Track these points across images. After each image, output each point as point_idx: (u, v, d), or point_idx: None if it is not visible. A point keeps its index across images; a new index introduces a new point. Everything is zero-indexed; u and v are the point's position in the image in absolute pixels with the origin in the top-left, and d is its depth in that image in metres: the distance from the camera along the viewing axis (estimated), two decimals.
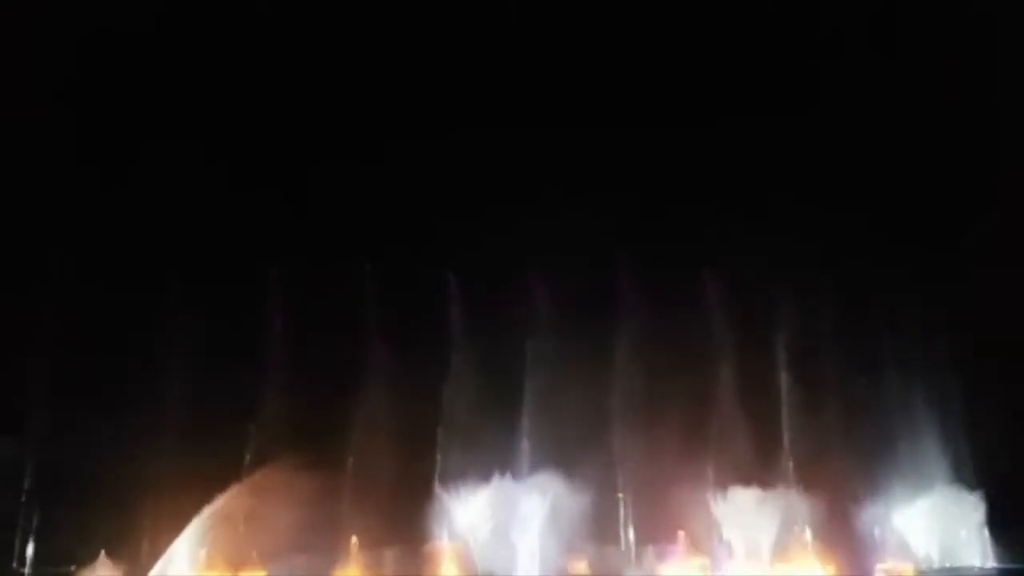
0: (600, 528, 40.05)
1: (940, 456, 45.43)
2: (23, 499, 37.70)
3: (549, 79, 52.26)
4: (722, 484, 40.59)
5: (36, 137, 45.12)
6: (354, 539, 39.17)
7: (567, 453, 40.27)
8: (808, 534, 39.57)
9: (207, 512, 37.26)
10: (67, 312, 41.02)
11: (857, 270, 47.13)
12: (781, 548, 38.74)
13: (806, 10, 52.90)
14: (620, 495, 41.78)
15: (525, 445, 41.25)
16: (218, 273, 44.57)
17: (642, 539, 40.67)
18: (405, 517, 39.93)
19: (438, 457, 41.15)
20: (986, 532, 43.26)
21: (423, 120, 51.00)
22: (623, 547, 40.25)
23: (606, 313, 44.57)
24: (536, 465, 40.60)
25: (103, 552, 37.22)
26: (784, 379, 44.00)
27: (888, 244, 48.55)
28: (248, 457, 40.06)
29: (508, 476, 40.42)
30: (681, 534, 39.19)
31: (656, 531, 40.57)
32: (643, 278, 44.50)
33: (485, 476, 40.39)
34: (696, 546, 39.01)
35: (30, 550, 37.94)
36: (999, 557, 42.70)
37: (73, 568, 37.11)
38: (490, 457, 40.75)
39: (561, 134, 49.46)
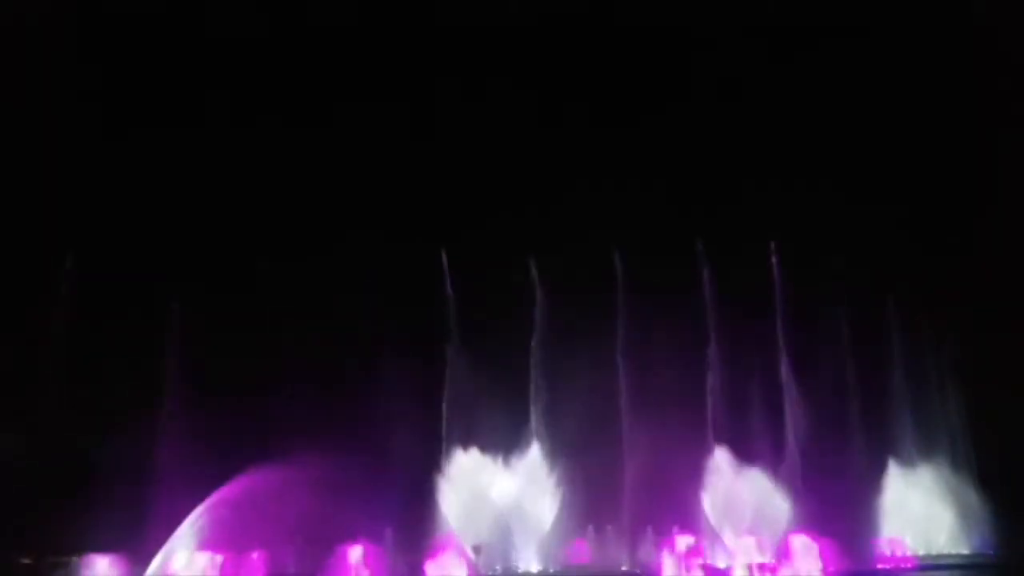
0: (600, 515, 40.08)
1: (942, 446, 45.75)
2: (25, 490, 37.62)
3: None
4: (723, 471, 41.06)
5: (33, 134, 45.45)
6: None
7: (570, 442, 40.54)
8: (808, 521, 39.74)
9: (209, 502, 37.51)
10: (72, 303, 41.13)
11: (859, 258, 47.41)
12: (781, 535, 38.91)
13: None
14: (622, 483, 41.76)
15: (529, 435, 41.53)
16: (226, 265, 44.89)
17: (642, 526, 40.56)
18: (407, 509, 40.03)
19: (442, 447, 41.28)
20: (986, 522, 43.56)
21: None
22: (622, 534, 40.08)
23: (609, 302, 44.86)
24: (539, 453, 40.93)
25: (104, 542, 37.23)
26: (785, 367, 44.27)
27: (891, 232, 48.95)
28: (253, 449, 40.03)
29: (512, 466, 40.67)
30: (675, 528, 39.18)
31: (656, 519, 40.62)
32: (643, 265, 44.70)
33: (489, 465, 40.60)
34: (695, 533, 39.05)
35: (32, 540, 37.89)
36: (998, 546, 42.94)
37: (74, 558, 37.05)
38: (494, 447, 40.97)
39: (564, 125, 50.24)
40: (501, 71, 52.67)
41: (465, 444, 41.26)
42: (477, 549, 38.48)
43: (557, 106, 52.78)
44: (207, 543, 37.24)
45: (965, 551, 43.01)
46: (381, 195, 49.01)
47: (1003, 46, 49.19)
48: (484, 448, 41.15)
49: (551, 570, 39.01)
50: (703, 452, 41.01)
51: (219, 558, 36.93)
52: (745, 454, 41.25)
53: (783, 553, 37.56)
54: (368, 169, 49.97)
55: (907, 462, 44.79)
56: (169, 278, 42.99)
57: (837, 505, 40.74)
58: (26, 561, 37.99)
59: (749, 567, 36.88)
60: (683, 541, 37.31)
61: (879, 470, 43.59)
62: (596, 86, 54.25)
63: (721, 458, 41.17)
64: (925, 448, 45.45)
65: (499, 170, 49.91)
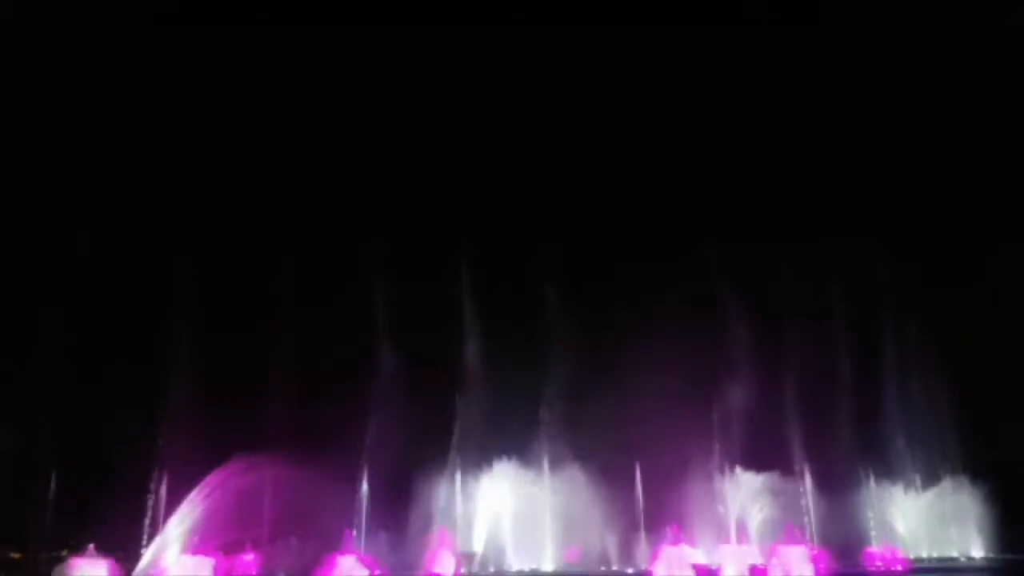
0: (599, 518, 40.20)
1: (940, 450, 46.34)
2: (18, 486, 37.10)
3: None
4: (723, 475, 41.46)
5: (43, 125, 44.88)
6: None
7: (572, 447, 40.69)
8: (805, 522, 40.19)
9: (196, 495, 37.16)
10: (69, 300, 40.72)
11: (863, 269, 47.99)
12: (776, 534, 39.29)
13: None
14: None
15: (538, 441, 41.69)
16: (222, 266, 44.58)
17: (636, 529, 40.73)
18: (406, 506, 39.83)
19: (452, 448, 41.18)
20: (981, 525, 44.17)
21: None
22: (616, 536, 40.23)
23: (616, 312, 45.06)
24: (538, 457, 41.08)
25: (93, 538, 36.32)
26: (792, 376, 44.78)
27: (893, 242, 49.62)
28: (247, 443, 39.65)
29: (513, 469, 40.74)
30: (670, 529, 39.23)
31: (651, 522, 40.81)
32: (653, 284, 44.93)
33: (490, 467, 40.72)
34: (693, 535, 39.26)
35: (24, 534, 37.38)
36: (993, 549, 43.56)
37: (64, 552, 36.48)
38: (498, 451, 41.01)
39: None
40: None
41: (471, 449, 41.14)
42: (469, 556, 38.34)
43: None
44: (196, 539, 36.74)
45: (956, 555, 43.66)
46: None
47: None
48: (488, 452, 41.01)
49: (543, 570, 39.04)
50: (699, 457, 41.32)
51: (209, 561, 36.34)
52: (742, 459, 41.62)
53: (775, 556, 37.96)
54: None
55: (903, 469, 45.38)
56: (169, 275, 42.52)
57: (831, 510, 41.37)
58: (16, 556, 37.45)
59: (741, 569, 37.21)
60: (676, 543, 37.53)
61: (874, 476, 44.25)
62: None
63: (718, 463, 41.59)
64: (921, 456, 46.01)
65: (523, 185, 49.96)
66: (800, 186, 51.17)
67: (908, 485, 45.18)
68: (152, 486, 37.89)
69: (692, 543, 38.78)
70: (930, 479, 45.64)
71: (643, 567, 37.86)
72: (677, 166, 51.82)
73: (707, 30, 55.47)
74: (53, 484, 37.60)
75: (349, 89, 52.57)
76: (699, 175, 50.70)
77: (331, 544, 37.37)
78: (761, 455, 41.85)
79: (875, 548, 40.88)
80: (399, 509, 39.99)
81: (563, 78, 54.53)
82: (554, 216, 49.71)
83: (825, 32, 55.32)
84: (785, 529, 38.52)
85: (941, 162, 51.68)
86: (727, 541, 39.25)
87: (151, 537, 37.04)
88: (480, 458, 41.13)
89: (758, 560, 38.46)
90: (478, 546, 39.52)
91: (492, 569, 38.87)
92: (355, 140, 51.36)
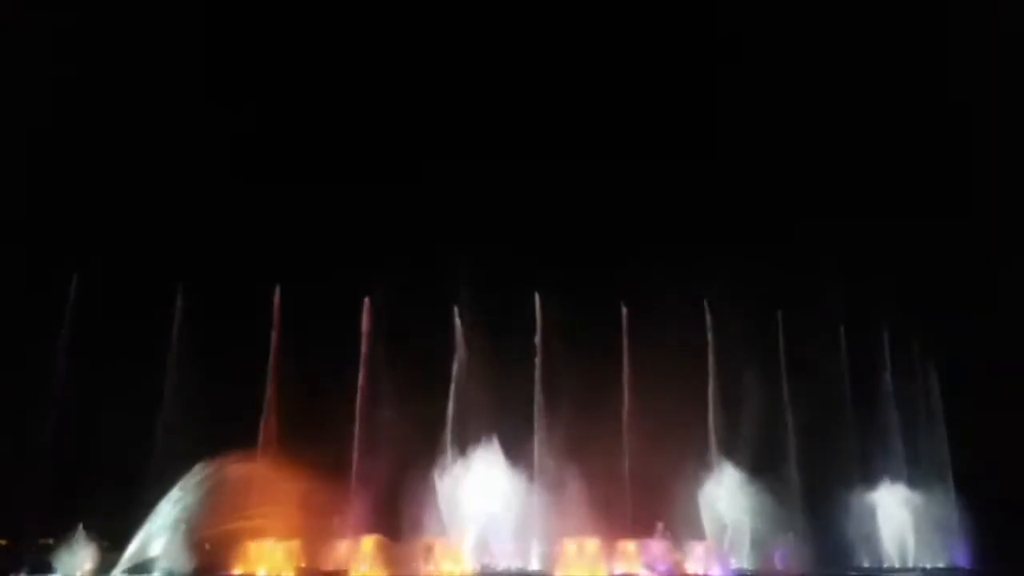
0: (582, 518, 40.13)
1: (920, 458, 45.92)
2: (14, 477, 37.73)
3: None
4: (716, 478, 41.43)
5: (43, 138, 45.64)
6: None
7: (563, 446, 40.74)
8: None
9: (184, 485, 37.37)
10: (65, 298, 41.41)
11: (849, 279, 47.66)
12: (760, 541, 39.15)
13: None
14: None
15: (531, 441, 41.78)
16: (227, 266, 45.10)
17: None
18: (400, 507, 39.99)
19: (445, 447, 41.39)
20: (961, 534, 43.74)
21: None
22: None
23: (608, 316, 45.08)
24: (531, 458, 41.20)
25: (81, 526, 36.70)
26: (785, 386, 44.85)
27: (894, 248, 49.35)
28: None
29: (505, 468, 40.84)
30: (659, 525, 39.11)
31: (636, 523, 40.69)
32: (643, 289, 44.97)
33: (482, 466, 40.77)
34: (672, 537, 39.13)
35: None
36: (973, 558, 43.05)
37: (52, 541, 36.97)
38: (490, 450, 41.03)
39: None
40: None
41: (463, 448, 41.34)
42: (428, 547, 38.26)
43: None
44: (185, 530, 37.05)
45: (941, 564, 43.39)
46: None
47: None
48: (481, 451, 41.17)
49: (529, 569, 39.03)
50: (689, 460, 41.26)
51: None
52: (737, 462, 41.56)
53: (759, 558, 37.95)
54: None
55: (887, 476, 45.01)
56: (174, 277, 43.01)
57: (821, 517, 41.17)
58: (2, 543, 38.06)
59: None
60: (659, 544, 37.50)
61: (859, 484, 44.00)
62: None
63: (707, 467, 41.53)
64: (912, 464, 45.67)
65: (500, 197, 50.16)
66: (801, 187, 50.97)
67: (896, 493, 44.57)
68: (146, 480, 38.24)
69: (674, 543, 38.65)
70: (920, 488, 45.10)
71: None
72: (678, 166, 51.61)
73: (707, 32, 55.31)
74: (49, 476, 38.09)
75: (349, 86, 53.09)
76: (700, 175, 50.69)
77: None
78: (756, 458, 41.64)
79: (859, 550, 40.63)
80: (391, 508, 40.01)
81: (563, 78, 54.58)
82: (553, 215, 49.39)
83: (826, 33, 54.95)
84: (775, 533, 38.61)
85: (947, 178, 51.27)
86: (717, 544, 39.12)
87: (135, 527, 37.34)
88: (473, 457, 41.05)
89: (746, 564, 38.62)
90: (467, 545, 39.32)
91: (479, 567, 38.90)
92: (354, 139, 51.68)
